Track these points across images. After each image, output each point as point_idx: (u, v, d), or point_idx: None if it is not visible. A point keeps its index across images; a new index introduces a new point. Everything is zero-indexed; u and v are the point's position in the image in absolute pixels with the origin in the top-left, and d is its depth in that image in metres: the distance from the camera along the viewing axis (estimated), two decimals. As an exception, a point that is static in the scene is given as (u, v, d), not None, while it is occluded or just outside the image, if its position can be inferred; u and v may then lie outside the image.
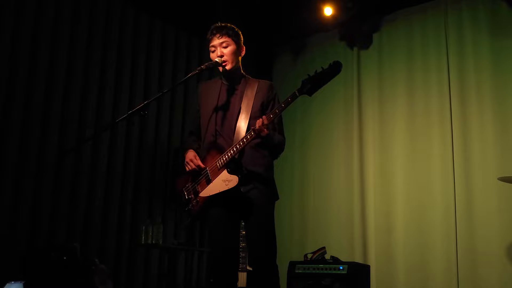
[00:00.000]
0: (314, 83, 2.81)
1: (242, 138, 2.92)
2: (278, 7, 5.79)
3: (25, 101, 4.37)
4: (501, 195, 4.58)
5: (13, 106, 4.29)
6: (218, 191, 2.94)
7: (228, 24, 3.15)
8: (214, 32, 3.11)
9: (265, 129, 2.84)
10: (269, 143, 3.01)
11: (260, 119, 2.84)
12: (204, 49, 5.84)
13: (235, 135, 3.01)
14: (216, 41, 3.10)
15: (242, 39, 3.18)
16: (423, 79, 5.29)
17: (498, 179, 4.09)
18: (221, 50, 3.08)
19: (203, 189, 3.02)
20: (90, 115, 4.83)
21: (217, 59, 3.08)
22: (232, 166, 2.94)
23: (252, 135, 2.87)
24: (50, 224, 4.42)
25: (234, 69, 3.13)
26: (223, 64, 3.08)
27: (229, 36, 3.10)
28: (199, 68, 3.06)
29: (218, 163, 2.97)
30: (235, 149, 2.92)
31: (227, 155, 2.94)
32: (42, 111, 4.48)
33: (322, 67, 2.81)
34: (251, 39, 3.26)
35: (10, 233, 4.14)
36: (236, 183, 2.89)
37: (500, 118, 4.78)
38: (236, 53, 3.12)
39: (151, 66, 5.44)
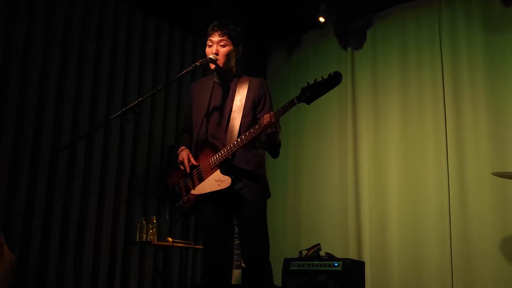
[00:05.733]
0: (313, 92, 2.81)
1: (244, 133, 2.90)
2: (273, 3, 5.76)
3: (19, 98, 4.35)
4: (495, 190, 4.60)
5: (6, 105, 4.26)
6: (210, 190, 2.96)
7: (231, 25, 3.13)
8: (216, 28, 3.11)
9: (272, 127, 2.81)
10: (274, 141, 2.95)
11: (268, 115, 2.82)
12: (199, 46, 5.84)
13: (227, 133, 3.01)
14: (215, 38, 3.10)
15: (241, 41, 3.17)
16: (417, 75, 5.30)
17: (492, 174, 4.09)
18: (217, 48, 3.09)
19: (195, 186, 3.03)
20: (83, 112, 4.80)
21: (211, 56, 3.08)
22: (225, 167, 2.94)
23: (256, 129, 2.85)
24: (45, 222, 4.40)
25: (226, 68, 3.13)
26: (217, 61, 3.08)
27: (229, 36, 3.10)
28: (193, 65, 3.06)
29: (212, 161, 2.98)
30: (232, 146, 2.91)
31: (221, 154, 2.94)
32: (36, 108, 4.45)
33: (322, 77, 2.80)
34: (246, 34, 3.25)
35: (2, 232, 4.10)
36: (228, 184, 2.90)
37: (494, 113, 4.79)
38: (230, 54, 3.12)
39: (145, 63, 5.41)
